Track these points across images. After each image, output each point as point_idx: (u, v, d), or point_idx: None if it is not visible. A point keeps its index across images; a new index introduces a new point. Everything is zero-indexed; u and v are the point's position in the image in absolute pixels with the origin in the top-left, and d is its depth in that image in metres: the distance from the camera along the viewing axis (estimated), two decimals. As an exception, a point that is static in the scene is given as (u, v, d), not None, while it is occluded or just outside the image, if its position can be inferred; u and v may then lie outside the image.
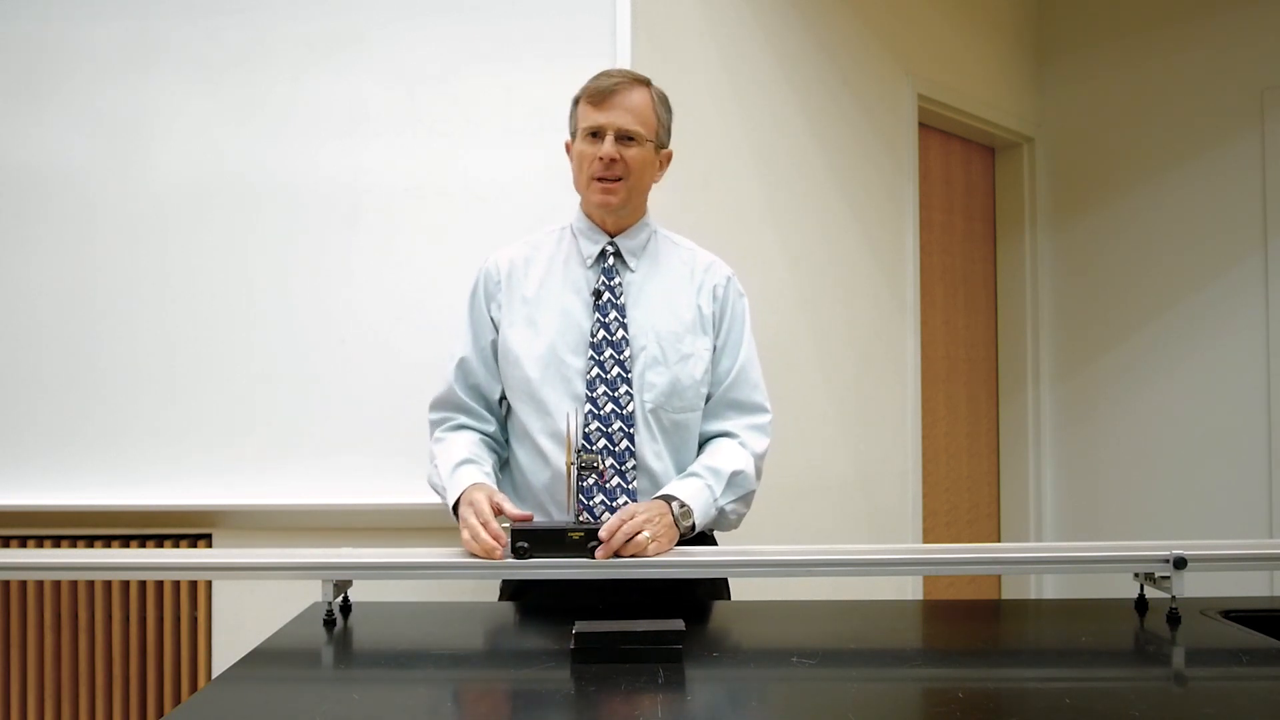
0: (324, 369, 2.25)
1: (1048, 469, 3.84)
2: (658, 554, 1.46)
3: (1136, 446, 3.64)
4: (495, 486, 1.58)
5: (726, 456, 1.67)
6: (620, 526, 1.44)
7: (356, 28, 2.27)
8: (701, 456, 1.69)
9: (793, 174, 2.85)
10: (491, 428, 1.74)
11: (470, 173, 2.26)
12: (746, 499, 1.68)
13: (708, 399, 1.73)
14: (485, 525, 1.45)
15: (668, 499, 1.55)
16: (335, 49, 2.27)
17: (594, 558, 1.42)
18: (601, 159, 1.65)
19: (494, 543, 1.43)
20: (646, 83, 1.71)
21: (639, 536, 1.44)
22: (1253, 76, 3.41)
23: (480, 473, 1.60)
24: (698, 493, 1.59)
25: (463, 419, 1.73)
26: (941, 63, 3.43)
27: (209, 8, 2.27)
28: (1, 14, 2.27)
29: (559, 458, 1.63)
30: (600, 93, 1.66)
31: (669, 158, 1.76)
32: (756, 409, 1.75)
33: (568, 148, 1.75)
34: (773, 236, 2.78)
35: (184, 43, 2.27)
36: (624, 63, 2.22)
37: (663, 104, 1.73)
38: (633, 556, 1.44)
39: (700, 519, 1.57)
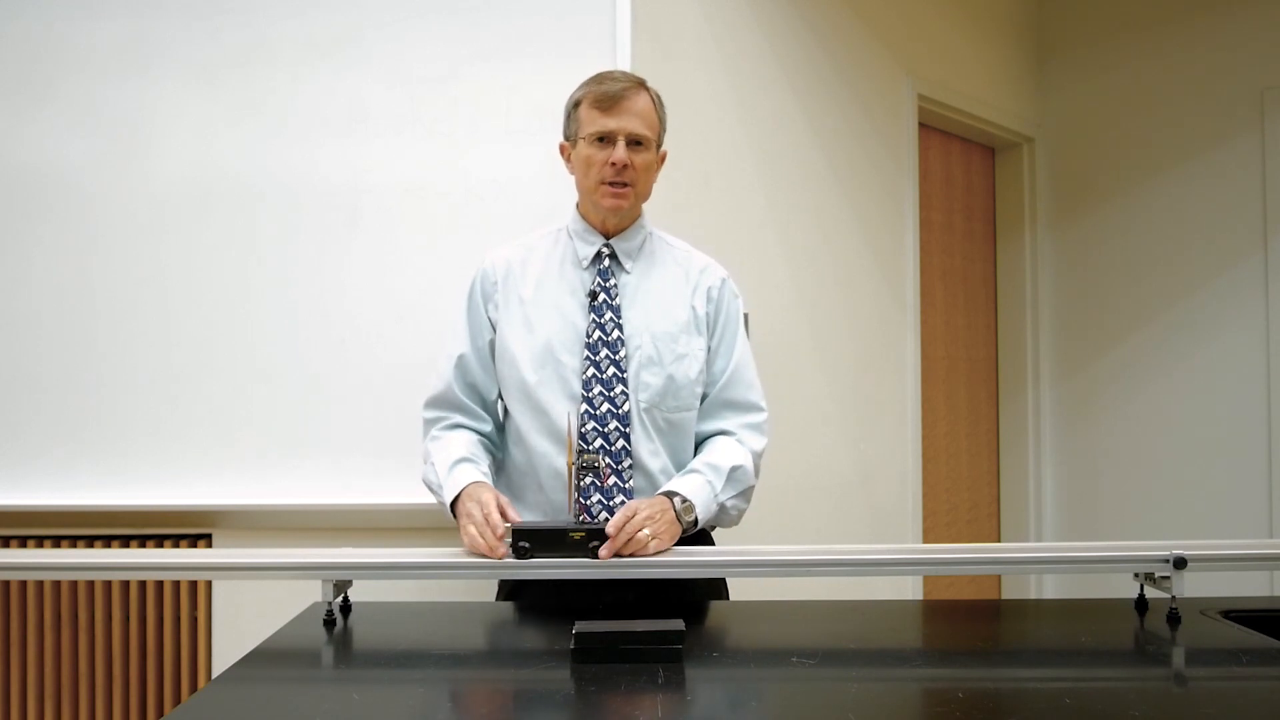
0: (324, 369, 2.25)
1: (1048, 469, 3.84)
2: (659, 551, 1.46)
3: (1136, 446, 3.64)
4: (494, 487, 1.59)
5: (725, 453, 1.67)
6: (623, 525, 1.44)
7: (356, 28, 2.27)
8: (700, 454, 1.70)
9: (793, 174, 2.85)
10: (488, 427, 1.75)
11: (470, 173, 2.26)
12: (746, 494, 1.69)
13: (703, 399, 1.74)
14: (489, 521, 1.46)
15: (669, 495, 1.56)
16: (335, 49, 2.27)
17: (595, 558, 1.42)
18: (614, 164, 1.65)
19: (497, 543, 1.44)
20: (645, 84, 1.72)
21: (639, 535, 1.45)
22: (1253, 76, 3.41)
23: (478, 472, 1.61)
24: (699, 489, 1.60)
25: (458, 418, 1.73)
26: (941, 63, 3.43)
27: (209, 8, 2.27)
28: (1, 14, 2.27)
29: (556, 458, 1.64)
30: (609, 98, 1.66)
31: (664, 157, 1.78)
32: (752, 408, 1.76)
33: (563, 150, 1.75)
34: (773, 236, 2.78)
35: (184, 43, 2.27)
36: (624, 62, 2.22)
37: (661, 105, 1.75)
38: (633, 555, 1.44)
39: (702, 514, 1.58)
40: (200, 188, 2.27)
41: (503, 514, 1.48)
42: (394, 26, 2.27)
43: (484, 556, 1.44)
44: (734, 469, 1.65)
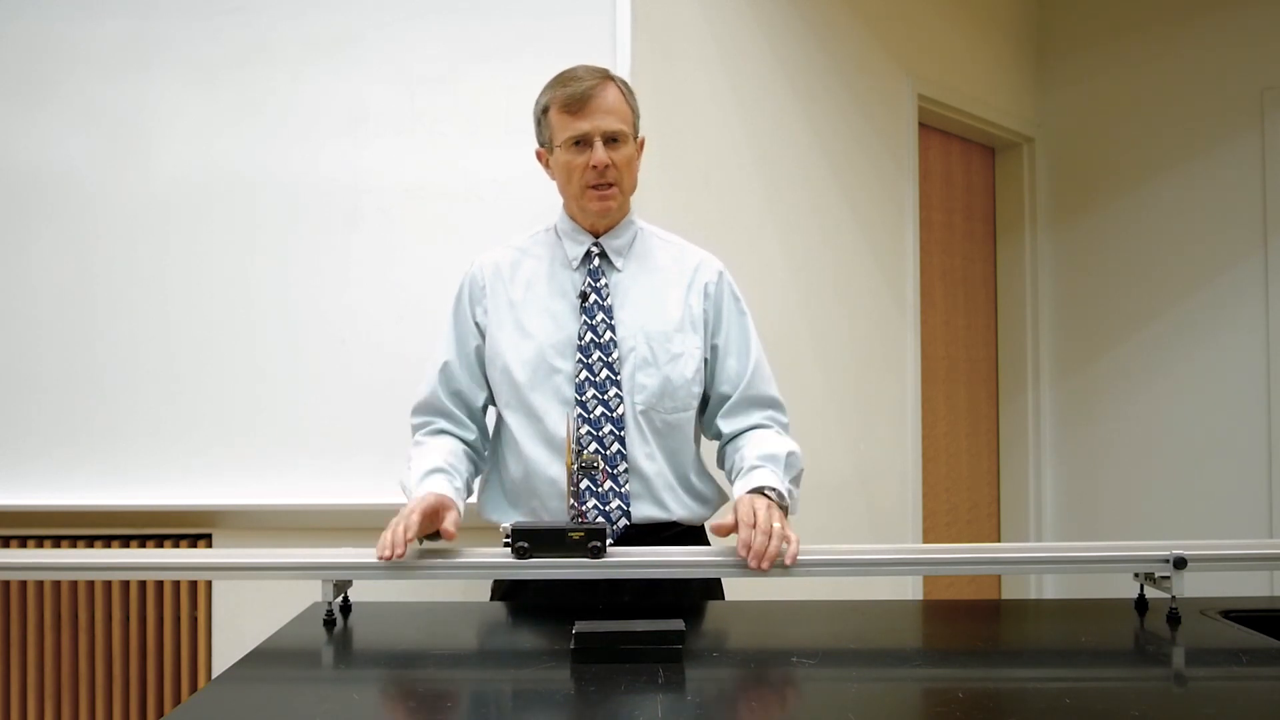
0: (324, 369, 2.25)
1: (1048, 469, 3.84)
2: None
3: (1136, 446, 3.64)
4: (459, 501, 1.54)
5: (774, 442, 1.64)
6: (754, 525, 1.39)
7: (356, 28, 2.27)
8: (748, 448, 1.64)
9: (793, 174, 2.85)
10: (472, 435, 1.72)
11: (471, 173, 2.26)
12: (798, 479, 1.64)
13: (726, 399, 1.71)
14: (408, 518, 1.40)
15: (759, 492, 1.50)
16: (335, 49, 2.27)
17: (594, 558, 1.41)
18: (595, 167, 1.62)
19: (393, 541, 1.37)
20: (610, 75, 1.67)
21: (775, 528, 1.40)
22: (1253, 76, 3.41)
23: (449, 485, 1.55)
24: (774, 480, 1.54)
25: (443, 424, 1.70)
26: (941, 63, 3.42)
27: (209, 8, 2.27)
28: (1, 14, 2.27)
29: (550, 464, 1.62)
30: (576, 99, 1.61)
31: (643, 144, 1.73)
32: (778, 405, 1.74)
33: (540, 157, 1.72)
34: (773, 236, 2.78)
35: (184, 43, 2.27)
36: (624, 63, 2.22)
37: (630, 93, 1.70)
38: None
39: (790, 505, 1.55)
40: (200, 188, 2.27)
41: (438, 528, 1.44)
42: (394, 26, 2.27)
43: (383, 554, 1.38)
44: (789, 455, 1.61)
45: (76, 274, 2.26)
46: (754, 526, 1.39)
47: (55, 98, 2.27)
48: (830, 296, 2.97)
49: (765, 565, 1.38)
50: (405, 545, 1.38)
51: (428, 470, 1.58)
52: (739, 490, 1.56)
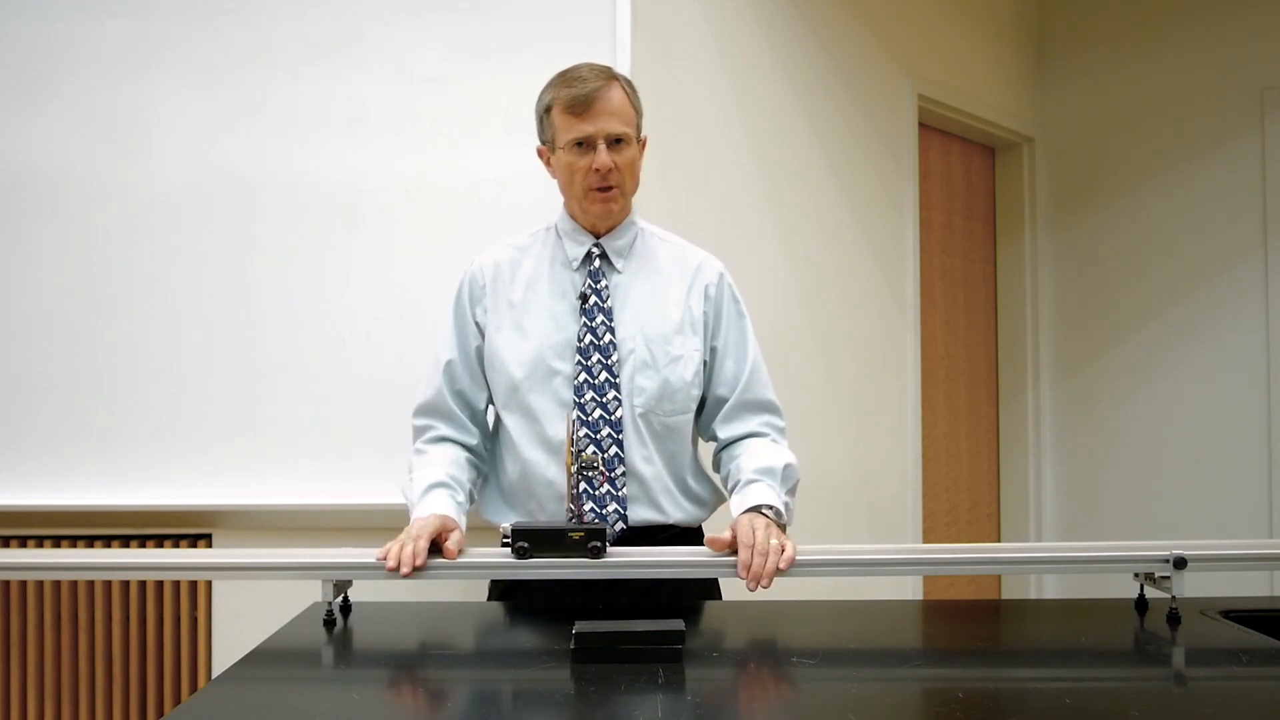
0: (324, 369, 2.25)
1: (1048, 469, 3.84)
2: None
3: (1136, 446, 3.64)
4: (462, 517, 1.53)
5: (771, 454, 1.63)
6: (753, 545, 1.39)
7: (356, 28, 2.27)
8: (744, 459, 1.63)
9: (793, 174, 2.85)
10: (474, 440, 1.71)
11: (471, 173, 2.26)
12: (795, 490, 1.64)
13: (723, 402, 1.70)
14: (416, 542, 1.40)
15: (757, 511, 1.50)
16: (335, 49, 2.27)
17: (594, 558, 1.41)
18: (598, 170, 1.60)
19: (402, 561, 1.38)
20: (614, 74, 1.65)
21: (772, 544, 1.40)
22: (1253, 76, 3.41)
23: (451, 501, 1.54)
24: (771, 496, 1.53)
25: (445, 429, 1.69)
26: (941, 63, 3.43)
27: (209, 8, 2.27)
28: (1, 14, 2.27)
29: (547, 465, 1.62)
30: (580, 101, 1.59)
31: (645, 144, 1.71)
32: (774, 409, 1.73)
33: (542, 155, 1.70)
34: (773, 236, 2.78)
35: (184, 43, 2.27)
36: (624, 62, 2.21)
37: (634, 92, 1.67)
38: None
39: (787, 519, 1.55)
40: (200, 188, 2.27)
41: (443, 545, 1.44)
42: (394, 26, 2.27)
43: (385, 564, 1.39)
44: (786, 467, 1.60)
45: (76, 274, 2.26)
46: (752, 548, 1.39)
47: (55, 98, 2.27)
48: (830, 296, 2.97)
49: (766, 585, 1.38)
50: (413, 568, 1.38)
51: (430, 484, 1.56)
52: (736, 506, 1.56)
